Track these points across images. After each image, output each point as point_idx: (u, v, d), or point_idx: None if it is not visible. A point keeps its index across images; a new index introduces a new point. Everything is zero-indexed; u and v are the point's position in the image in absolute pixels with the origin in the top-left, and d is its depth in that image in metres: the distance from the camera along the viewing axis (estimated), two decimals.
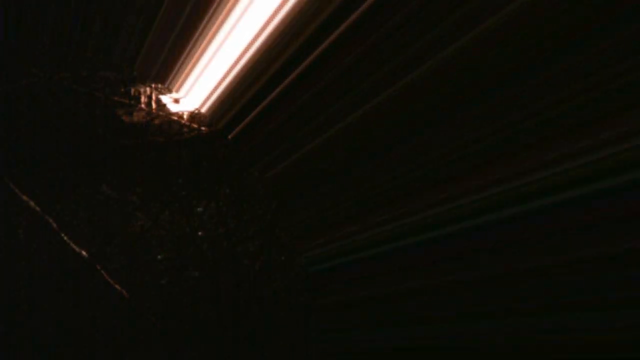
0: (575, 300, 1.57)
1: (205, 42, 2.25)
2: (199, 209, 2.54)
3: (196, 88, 2.56)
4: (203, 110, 2.67)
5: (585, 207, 1.47)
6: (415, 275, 2.18)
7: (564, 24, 1.36)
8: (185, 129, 2.61)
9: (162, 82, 2.60)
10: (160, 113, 2.56)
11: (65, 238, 2.25)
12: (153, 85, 2.58)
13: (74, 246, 2.26)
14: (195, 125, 2.64)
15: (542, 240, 1.62)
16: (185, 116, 2.63)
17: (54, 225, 2.25)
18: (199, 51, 2.31)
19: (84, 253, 2.26)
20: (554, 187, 1.53)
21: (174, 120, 2.59)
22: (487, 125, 1.72)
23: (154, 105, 2.56)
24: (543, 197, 1.57)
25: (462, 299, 1.96)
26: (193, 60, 2.39)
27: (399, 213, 2.17)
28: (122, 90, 2.49)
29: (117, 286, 2.29)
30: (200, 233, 2.51)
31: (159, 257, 2.39)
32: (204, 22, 2.15)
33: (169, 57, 2.41)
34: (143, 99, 2.54)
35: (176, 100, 2.63)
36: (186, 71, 2.47)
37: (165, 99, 2.60)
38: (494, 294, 1.84)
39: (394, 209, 2.19)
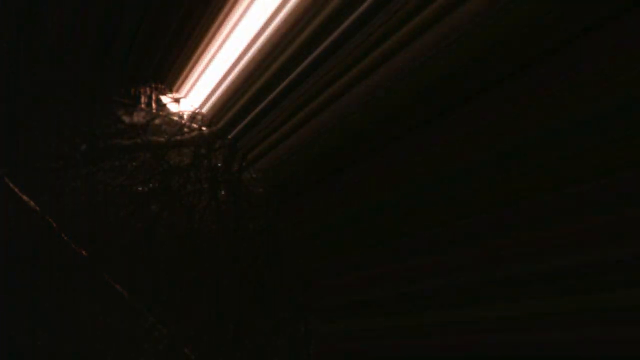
0: None
1: (205, 42, 2.25)
2: (199, 209, 2.54)
3: (196, 88, 2.56)
4: (203, 110, 2.67)
5: None
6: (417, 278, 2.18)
7: None
8: (185, 129, 2.61)
9: (162, 82, 2.60)
10: (160, 113, 2.56)
11: (65, 238, 2.25)
12: (153, 85, 2.58)
13: (74, 246, 2.26)
14: (195, 125, 2.64)
15: None
16: (185, 116, 2.63)
17: (54, 225, 2.25)
18: (199, 51, 2.31)
19: (83, 253, 2.26)
20: None
21: (174, 120, 2.59)
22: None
23: (154, 105, 2.56)
24: None
25: None
26: (193, 60, 2.39)
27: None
28: (122, 90, 2.49)
29: (117, 286, 2.29)
30: (200, 233, 2.51)
31: (159, 257, 2.39)
32: (204, 22, 2.15)
33: (169, 57, 2.41)
34: (143, 99, 2.54)
35: (176, 100, 2.63)
36: (186, 71, 2.48)
37: (165, 99, 2.60)
38: None
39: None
